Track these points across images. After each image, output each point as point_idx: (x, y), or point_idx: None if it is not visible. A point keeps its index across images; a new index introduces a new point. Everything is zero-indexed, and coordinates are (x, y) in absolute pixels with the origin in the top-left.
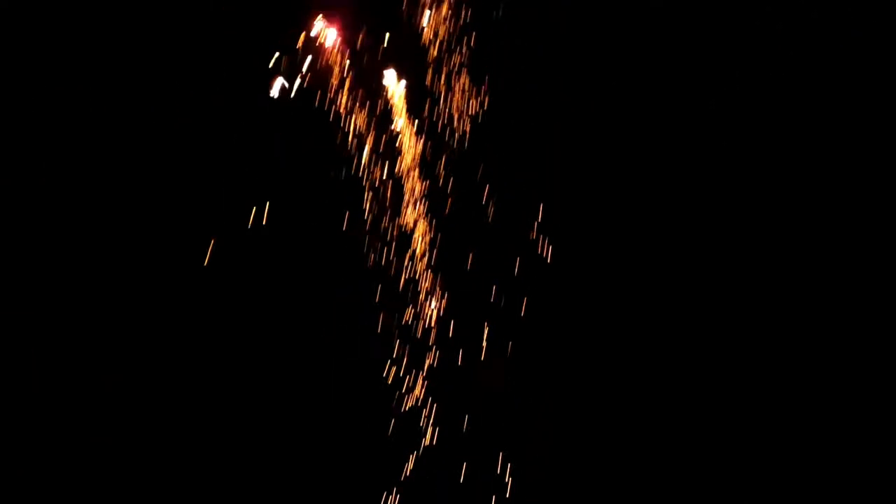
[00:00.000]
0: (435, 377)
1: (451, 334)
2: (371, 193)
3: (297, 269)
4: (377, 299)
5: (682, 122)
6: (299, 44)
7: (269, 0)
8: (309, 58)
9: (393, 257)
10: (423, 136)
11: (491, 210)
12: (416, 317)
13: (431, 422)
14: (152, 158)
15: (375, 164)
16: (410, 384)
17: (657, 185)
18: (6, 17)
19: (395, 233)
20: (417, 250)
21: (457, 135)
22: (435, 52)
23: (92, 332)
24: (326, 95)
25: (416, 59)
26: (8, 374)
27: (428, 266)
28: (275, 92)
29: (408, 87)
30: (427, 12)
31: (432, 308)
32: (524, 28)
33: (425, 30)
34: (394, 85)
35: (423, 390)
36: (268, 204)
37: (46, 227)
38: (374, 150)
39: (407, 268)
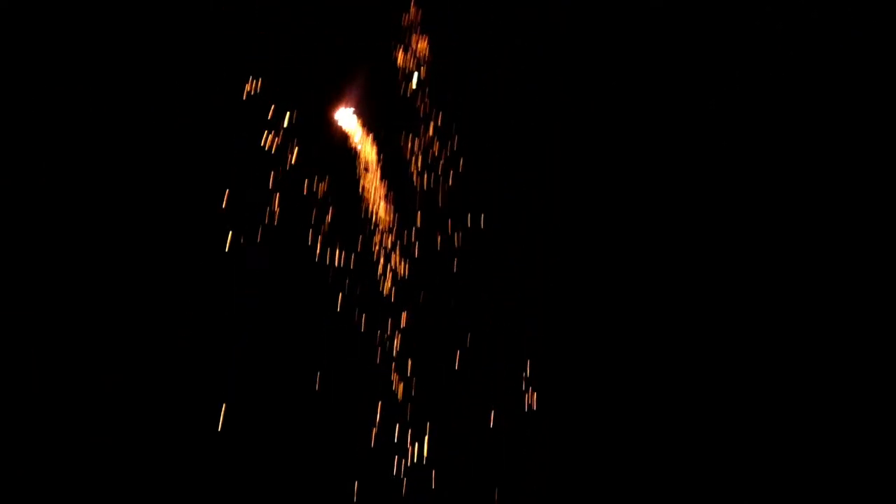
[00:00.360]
0: None
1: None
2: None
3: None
4: (350, 442)
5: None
6: (270, 184)
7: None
8: (278, 195)
9: (366, 397)
10: (407, 263)
11: (470, 340)
12: (392, 455)
13: None
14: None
15: (355, 307)
16: None
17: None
18: (6, 17)
19: (374, 368)
20: (397, 389)
21: (444, 260)
22: (424, 184)
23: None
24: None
25: (402, 187)
26: (8, 374)
27: (405, 403)
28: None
29: (394, 216)
30: (411, 137)
31: (412, 451)
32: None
33: (412, 158)
34: (378, 213)
35: None
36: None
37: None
38: (352, 289)
39: (382, 408)
